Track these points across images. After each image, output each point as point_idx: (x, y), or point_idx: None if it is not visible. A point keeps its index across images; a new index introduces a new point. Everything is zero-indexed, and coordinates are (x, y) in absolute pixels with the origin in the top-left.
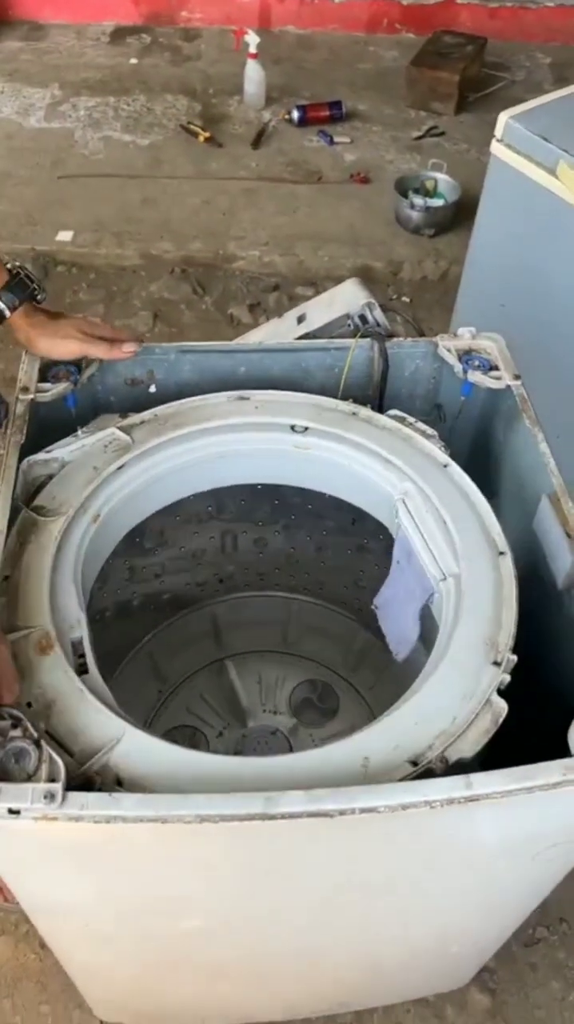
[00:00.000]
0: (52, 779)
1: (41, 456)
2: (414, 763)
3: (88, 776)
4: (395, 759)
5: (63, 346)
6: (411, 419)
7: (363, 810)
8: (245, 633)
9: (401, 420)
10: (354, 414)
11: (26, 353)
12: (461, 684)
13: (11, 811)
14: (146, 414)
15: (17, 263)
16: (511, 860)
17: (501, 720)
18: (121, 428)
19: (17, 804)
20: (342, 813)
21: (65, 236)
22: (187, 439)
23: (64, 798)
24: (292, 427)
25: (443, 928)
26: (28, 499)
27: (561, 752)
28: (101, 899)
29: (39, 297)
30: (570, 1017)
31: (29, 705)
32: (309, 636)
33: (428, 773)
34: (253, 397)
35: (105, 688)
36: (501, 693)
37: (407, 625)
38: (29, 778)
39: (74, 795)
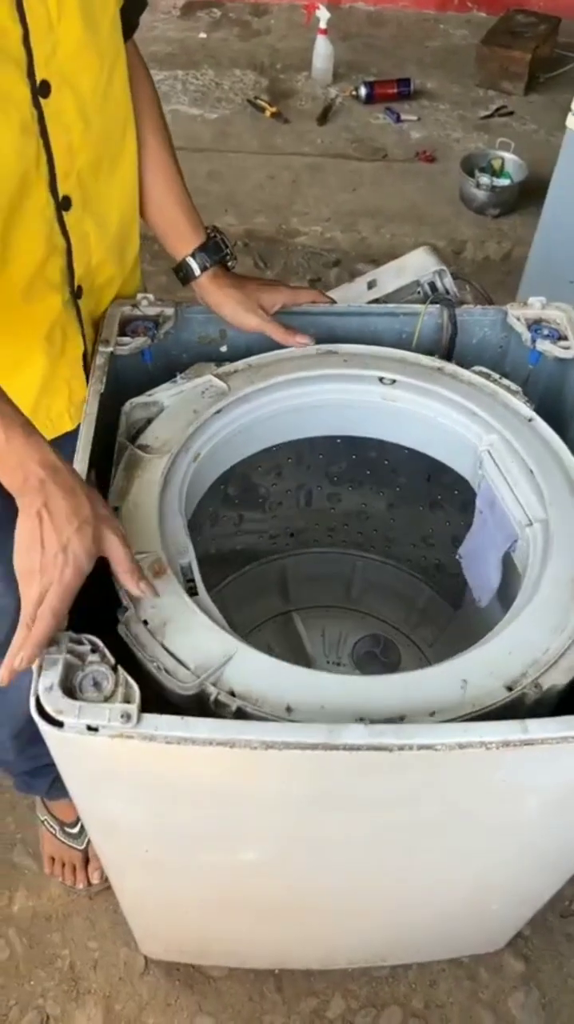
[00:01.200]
0: (128, 701)
1: (143, 399)
2: (509, 688)
3: (203, 688)
4: (491, 684)
5: (245, 319)
6: (496, 375)
7: (421, 747)
8: (310, 587)
9: (486, 376)
10: (440, 369)
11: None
12: (553, 618)
13: (90, 728)
14: (239, 364)
15: (211, 228)
16: (561, 812)
17: None
18: (217, 375)
19: (96, 722)
20: (401, 748)
21: None
22: (279, 388)
23: (139, 719)
24: (380, 379)
25: (487, 879)
26: (131, 438)
27: None
28: (164, 824)
29: (230, 263)
30: None
31: (146, 623)
32: (372, 593)
33: (522, 699)
34: (341, 350)
35: (215, 609)
36: None
37: (490, 572)
38: (106, 700)
39: (148, 716)
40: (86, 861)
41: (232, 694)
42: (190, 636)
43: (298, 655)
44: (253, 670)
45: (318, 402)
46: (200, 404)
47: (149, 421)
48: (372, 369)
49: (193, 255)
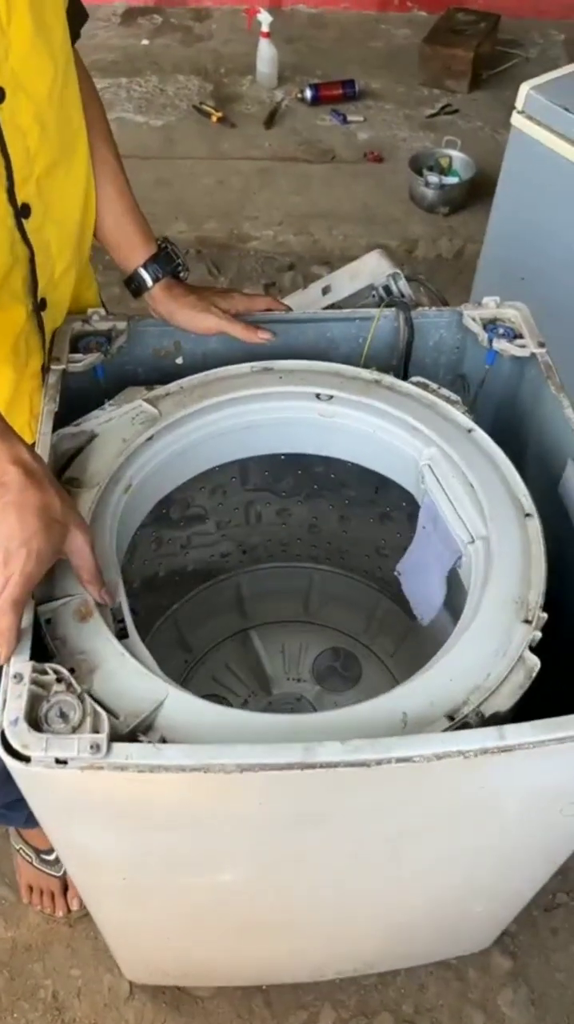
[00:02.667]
0: (96, 731)
1: (70, 429)
2: (451, 718)
3: (134, 737)
4: (432, 714)
5: (202, 321)
6: (434, 385)
7: (399, 760)
8: (268, 603)
9: (424, 387)
10: (377, 381)
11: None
12: (494, 642)
13: (58, 761)
14: (171, 386)
15: (162, 239)
16: (539, 814)
17: (534, 675)
18: (147, 400)
19: (64, 754)
20: (379, 763)
21: None
22: (213, 410)
23: (109, 748)
24: (317, 395)
25: (469, 884)
26: (59, 471)
27: None
28: (141, 851)
29: (182, 274)
30: None
31: (72, 671)
32: (330, 605)
33: (464, 727)
34: (276, 367)
35: (146, 652)
36: (533, 650)
37: (433, 589)
38: (74, 731)
39: (119, 746)
40: (64, 888)
41: (163, 741)
42: (119, 683)
43: (257, 674)
44: (184, 715)
45: (254, 422)
46: (130, 432)
47: (79, 450)
48: (308, 385)
49: (145, 266)
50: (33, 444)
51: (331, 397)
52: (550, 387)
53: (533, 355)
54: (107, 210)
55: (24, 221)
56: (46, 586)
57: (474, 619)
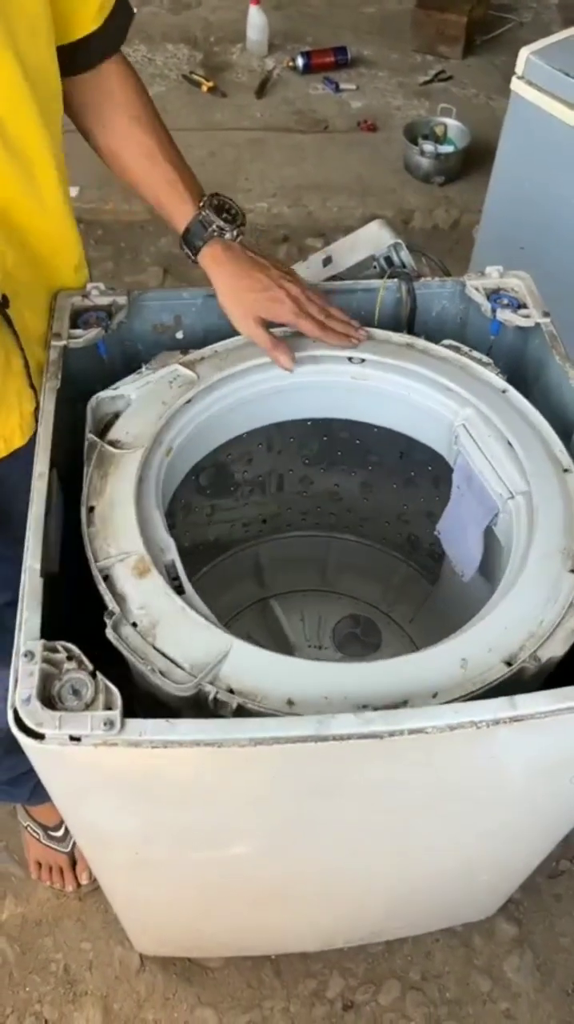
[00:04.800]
0: (109, 707)
1: (108, 393)
2: (508, 663)
3: (201, 687)
4: (490, 660)
5: (239, 324)
6: (466, 348)
7: (412, 731)
8: (286, 572)
9: (456, 349)
10: (410, 345)
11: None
12: (544, 591)
13: (72, 738)
14: (206, 350)
15: (206, 198)
16: (548, 782)
17: None
18: (183, 364)
19: (78, 731)
20: (391, 735)
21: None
22: (248, 373)
23: (123, 724)
24: (349, 359)
25: (477, 853)
26: (99, 433)
27: None
28: (154, 827)
29: (226, 235)
30: None
31: (135, 626)
32: (348, 573)
33: (521, 672)
34: None
35: (204, 605)
36: None
37: (471, 547)
38: (87, 708)
39: (132, 722)
40: (73, 863)
41: (231, 691)
42: (182, 635)
43: (279, 642)
44: (250, 665)
45: (288, 386)
46: (168, 395)
47: (117, 415)
48: (341, 349)
49: (183, 238)
50: (25, 445)
51: (363, 360)
52: (555, 356)
53: (537, 325)
54: (143, 187)
55: None
56: (101, 542)
57: (523, 570)
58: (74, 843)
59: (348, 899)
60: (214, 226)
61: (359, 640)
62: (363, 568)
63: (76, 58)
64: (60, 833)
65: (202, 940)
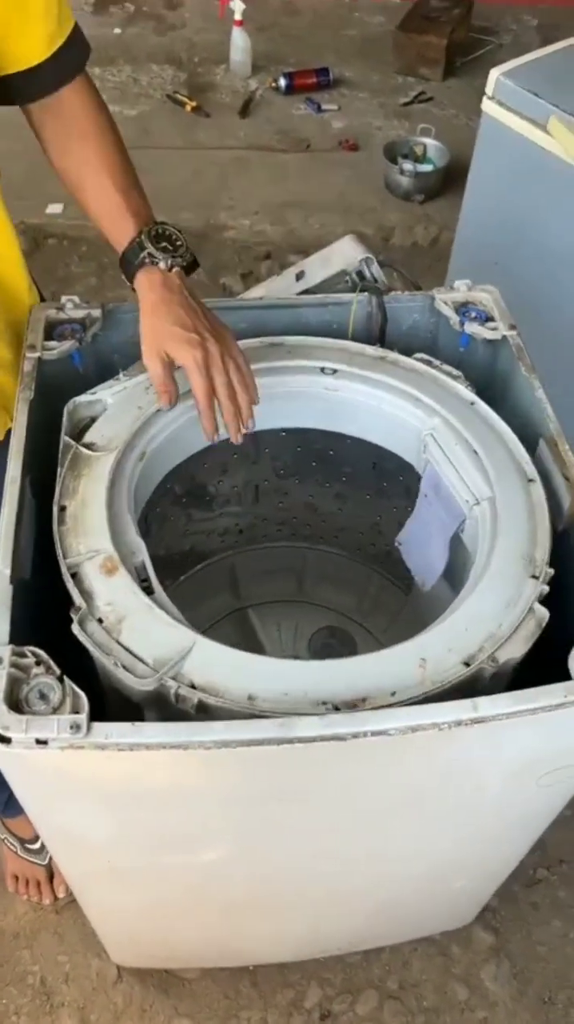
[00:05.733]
0: (76, 711)
1: (86, 397)
2: (467, 664)
3: (163, 682)
4: (450, 660)
5: (143, 350)
6: (437, 362)
7: (374, 733)
8: (262, 583)
9: (427, 363)
10: (382, 358)
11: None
12: (505, 594)
13: (39, 741)
14: None
15: (153, 224)
16: (516, 785)
17: (543, 624)
18: None
19: (44, 734)
20: (355, 736)
21: (55, 209)
22: None
23: (89, 728)
24: (322, 369)
25: (450, 858)
26: (75, 436)
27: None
28: (123, 832)
29: (161, 263)
30: (572, 953)
31: (100, 622)
32: (324, 584)
33: (479, 672)
34: (286, 342)
35: (172, 605)
36: (541, 603)
37: (435, 555)
38: (54, 712)
39: (99, 725)
40: (50, 876)
41: (192, 687)
42: (147, 632)
43: (255, 651)
44: (212, 661)
45: (264, 395)
46: (144, 401)
47: (93, 419)
48: (315, 360)
49: (120, 261)
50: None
51: (336, 371)
52: (521, 368)
53: (504, 337)
54: (92, 212)
55: None
56: (71, 540)
57: (485, 573)
58: (51, 856)
59: (323, 907)
60: (146, 253)
61: (335, 651)
62: (339, 579)
63: (29, 85)
64: (37, 846)
65: (178, 950)
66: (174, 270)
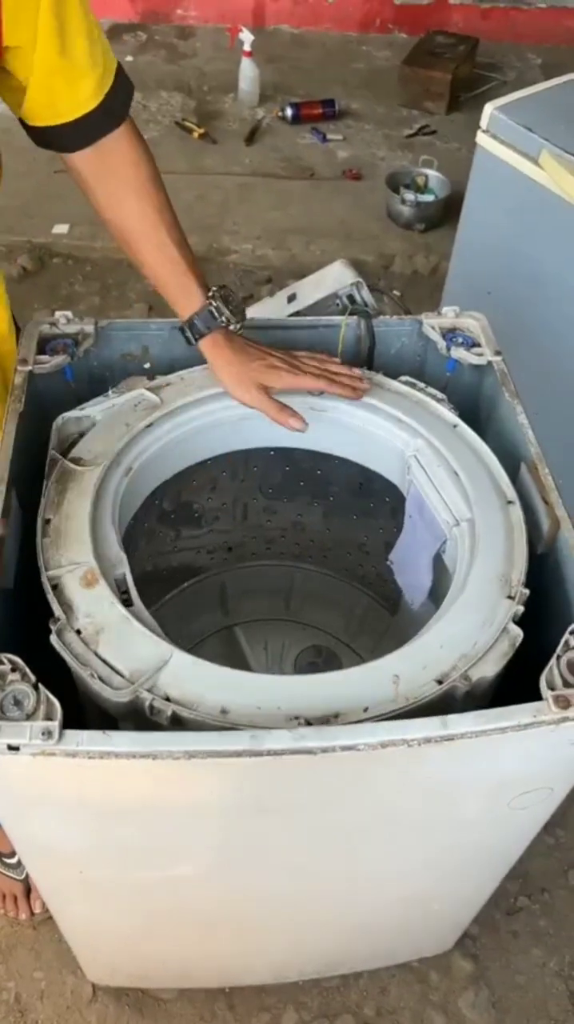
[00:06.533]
0: (49, 718)
1: (74, 413)
2: (439, 682)
3: (138, 694)
4: (423, 678)
5: (241, 394)
6: (421, 384)
7: (343, 748)
8: (250, 601)
9: (412, 385)
10: (368, 379)
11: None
12: (480, 614)
13: (10, 747)
14: (172, 377)
15: (216, 289)
16: (488, 806)
17: (517, 644)
18: (149, 389)
19: (16, 740)
20: (324, 751)
21: (61, 229)
22: (210, 400)
23: (61, 735)
24: (308, 391)
25: (425, 881)
26: (63, 452)
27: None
28: (95, 844)
29: (231, 326)
30: (551, 983)
31: (79, 632)
32: (311, 603)
33: (452, 691)
34: None
35: (150, 618)
36: (516, 623)
37: (421, 574)
38: (28, 718)
39: (70, 732)
40: (27, 891)
41: (167, 699)
42: (124, 644)
43: (241, 669)
44: (187, 674)
45: (249, 414)
46: (132, 417)
47: (81, 435)
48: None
49: (187, 323)
50: None
51: (322, 392)
52: (505, 393)
53: (490, 363)
54: (149, 267)
55: None
56: (53, 552)
57: (462, 593)
58: (28, 871)
59: (298, 928)
60: (223, 317)
61: (319, 671)
62: (326, 599)
63: (77, 134)
64: (15, 860)
65: (153, 969)
66: (240, 330)
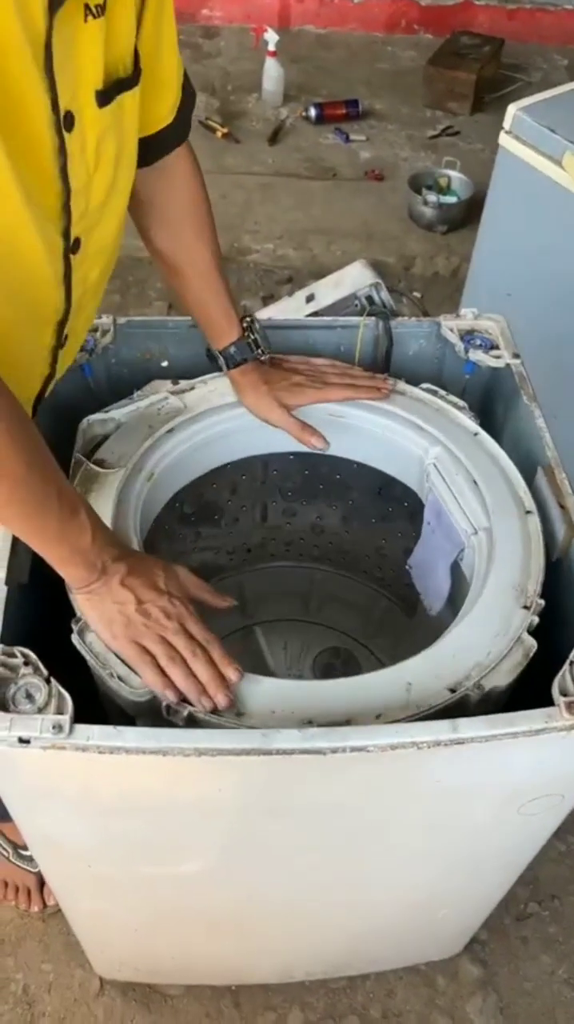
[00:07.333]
0: (60, 712)
1: (99, 416)
2: (452, 690)
3: (156, 696)
4: (436, 686)
5: (266, 414)
6: (442, 392)
7: (353, 749)
8: (270, 602)
9: (433, 392)
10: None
11: None
12: (495, 624)
13: (21, 740)
14: (195, 381)
15: (246, 320)
16: (497, 812)
17: (531, 655)
18: (173, 393)
19: (27, 733)
20: (334, 751)
21: None
22: (233, 406)
23: (72, 729)
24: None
25: (432, 885)
26: (87, 454)
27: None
28: (104, 838)
29: (262, 357)
30: (559, 990)
31: None
32: (330, 605)
33: (464, 700)
34: None
35: None
36: (531, 633)
37: (439, 581)
38: (39, 712)
39: (81, 727)
40: (40, 884)
41: (183, 700)
42: None
43: (260, 669)
44: None
45: None
46: (155, 421)
47: (105, 437)
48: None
49: (224, 352)
50: None
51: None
52: (523, 397)
53: (508, 365)
54: (194, 295)
55: (72, 256)
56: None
57: (477, 602)
58: None
59: (305, 929)
60: (260, 350)
61: (338, 672)
62: (345, 600)
63: (149, 150)
64: (29, 853)
65: (161, 965)
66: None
